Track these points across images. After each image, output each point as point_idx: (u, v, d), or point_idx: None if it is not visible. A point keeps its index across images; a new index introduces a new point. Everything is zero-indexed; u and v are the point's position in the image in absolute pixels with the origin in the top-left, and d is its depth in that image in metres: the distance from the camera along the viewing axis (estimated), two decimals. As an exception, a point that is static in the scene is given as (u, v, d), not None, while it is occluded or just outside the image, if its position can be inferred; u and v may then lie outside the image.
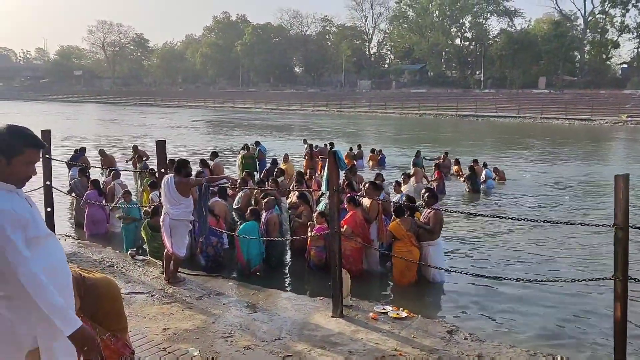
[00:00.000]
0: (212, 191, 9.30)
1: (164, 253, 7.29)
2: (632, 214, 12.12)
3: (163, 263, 7.42)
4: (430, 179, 16.05)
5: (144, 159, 16.19)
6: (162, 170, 7.65)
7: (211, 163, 14.98)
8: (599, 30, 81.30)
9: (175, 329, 5.65)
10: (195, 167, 13.69)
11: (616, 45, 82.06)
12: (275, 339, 5.41)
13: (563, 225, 11.02)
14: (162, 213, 7.28)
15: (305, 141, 22.84)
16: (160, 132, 38.54)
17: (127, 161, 16.84)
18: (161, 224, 7.30)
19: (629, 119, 52.49)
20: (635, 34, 79.79)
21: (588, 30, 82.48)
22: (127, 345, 3.57)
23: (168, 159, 8.35)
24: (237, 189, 10.66)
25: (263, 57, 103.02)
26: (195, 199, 7.77)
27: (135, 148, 16.95)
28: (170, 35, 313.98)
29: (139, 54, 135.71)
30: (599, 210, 13.85)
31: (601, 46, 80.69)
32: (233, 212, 10.28)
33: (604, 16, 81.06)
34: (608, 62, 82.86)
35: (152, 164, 13.69)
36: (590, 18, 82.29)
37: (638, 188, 17.01)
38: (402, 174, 14.10)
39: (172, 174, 7.23)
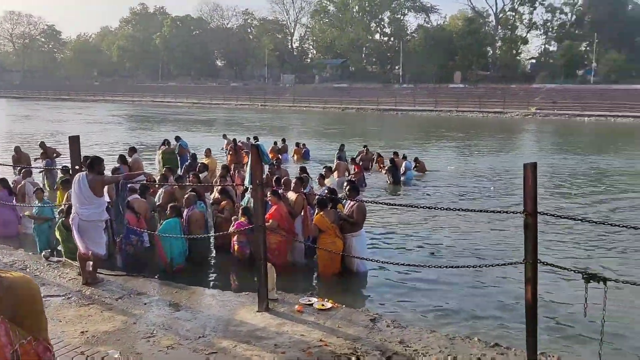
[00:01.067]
0: (132, 188, 9.01)
1: (78, 254, 6.98)
2: (545, 201, 12.81)
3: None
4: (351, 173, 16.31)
5: (54, 156, 15.36)
6: (77, 167, 7.33)
7: (129, 159, 14.50)
8: (509, 27, 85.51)
9: (94, 331, 5.45)
10: (113, 164, 13.25)
11: (525, 41, 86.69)
12: (200, 337, 5.34)
13: (477, 212, 11.53)
14: (72, 213, 6.94)
15: (224, 136, 22.58)
16: (77, 128, 36.76)
17: (35, 159, 15.75)
18: (70, 223, 6.97)
19: (538, 111, 55.60)
20: (542, 30, 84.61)
21: (499, 26, 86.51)
22: (49, 348, 3.41)
23: (83, 155, 8.01)
24: (157, 186, 10.38)
25: (183, 50, 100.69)
26: (112, 197, 7.49)
27: (42, 145, 15.97)
28: (84, 27, 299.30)
29: (50, 46, 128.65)
30: (513, 198, 14.57)
31: (511, 42, 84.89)
32: (155, 211, 9.99)
33: (514, 13, 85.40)
34: (518, 58, 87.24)
35: (65, 161, 13.04)
36: (501, 15, 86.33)
37: (548, 176, 18.09)
38: (324, 167, 14.22)
39: (85, 172, 6.91)
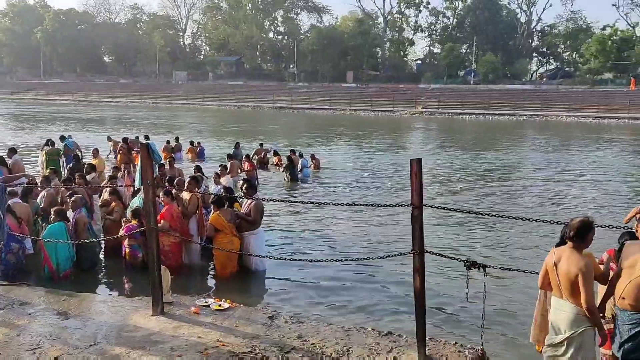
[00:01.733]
0: (12, 191, 8.40)
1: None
2: (435, 194, 13.45)
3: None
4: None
5: None
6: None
7: (9, 161, 13.48)
8: (397, 29, 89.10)
9: (-30, 347, 5.05)
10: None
11: (412, 43, 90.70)
12: (91, 345, 5.12)
13: (370, 207, 11.97)
14: None
15: (109, 138, 21.56)
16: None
17: None
18: None
19: (424, 109, 58.46)
20: (427, 33, 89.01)
21: (388, 28, 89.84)
22: None
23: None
24: (39, 189, 9.75)
25: (67, 45, 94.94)
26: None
27: None
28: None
29: None
30: (406, 192, 15.22)
31: (399, 44, 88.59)
32: (39, 216, 9.37)
33: (401, 16, 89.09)
34: (405, 59, 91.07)
35: None
36: (389, 17, 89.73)
37: (437, 171, 19.09)
38: (220, 166, 14.04)
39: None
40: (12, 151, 14.39)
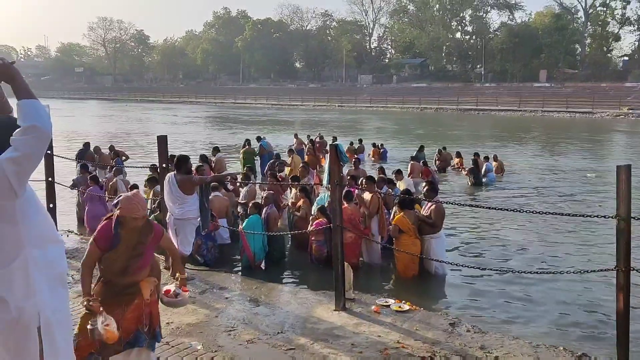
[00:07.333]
0: (214, 186, 9.31)
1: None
2: (636, 205, 12.04)
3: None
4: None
5: (123, 159, 15.68)
6: (164, 165, 7.64)
7: (213, 158, 14.99)
8: (600, 22, 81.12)
9: (178, 323, 5.67)
10: (195, 163, 13.72)
11: (617, 37, 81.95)
12: (278, 333, 5.44)
13: (565, 216, 11.02)
14: (168, 212, 7.24)
15: (296, 135, 22.55)
16: (164, 128, 38.51)
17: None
18: (167, 221, 7.27)
19: (631, 111, 52.35)
20: (636, 26, 79.61)
21: (589, 23, 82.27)
22: None
23: (170, 154, 8.34)
24: (238, 185, 10.69)
25: (263, 52, 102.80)
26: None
27: (111, 148, 16.42)
28: (170, 31, 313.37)
29: (139, 50, 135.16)
30: (602, 202, 13.82)
31: (602, 39, 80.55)
32: (239, 207, 10.26)
33: (605, 9, 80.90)
34: (609, 55, 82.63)
35: (135, 160, 13.56)
36: (591, 11, 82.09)
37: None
38: (393, 172, 13.44)
39: (174, 172, 7.18)
40: (216, 150, 16.00)
